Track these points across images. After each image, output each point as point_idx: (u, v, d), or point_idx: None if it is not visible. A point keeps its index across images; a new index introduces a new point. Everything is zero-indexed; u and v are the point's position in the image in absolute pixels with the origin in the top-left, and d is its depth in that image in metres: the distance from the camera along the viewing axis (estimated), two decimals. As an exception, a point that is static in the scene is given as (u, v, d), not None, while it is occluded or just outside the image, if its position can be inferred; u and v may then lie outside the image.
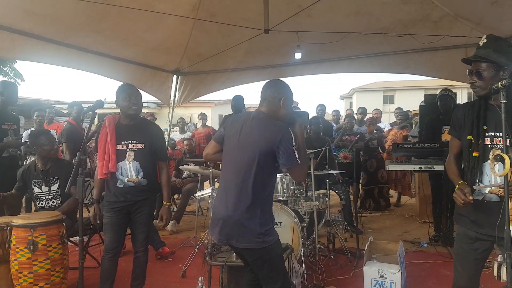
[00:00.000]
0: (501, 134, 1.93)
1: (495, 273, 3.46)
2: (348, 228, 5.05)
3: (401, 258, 3.26)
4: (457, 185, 2.06)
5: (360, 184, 6.46)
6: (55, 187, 3.58)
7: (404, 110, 8.56)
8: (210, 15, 4.63)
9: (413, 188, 6.85)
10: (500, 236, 1.82)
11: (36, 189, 3.58)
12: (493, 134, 1.99)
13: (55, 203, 3.57)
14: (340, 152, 6.24)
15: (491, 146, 1.99)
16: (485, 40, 2.02)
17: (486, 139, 2.00)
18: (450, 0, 4.12)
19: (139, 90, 2.97)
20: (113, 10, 4.00)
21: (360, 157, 6.42)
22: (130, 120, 2.89)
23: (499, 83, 1.83)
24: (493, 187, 1.97)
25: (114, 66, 5.58)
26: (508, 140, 1.90)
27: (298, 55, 5.38)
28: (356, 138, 6.08)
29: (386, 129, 7.44)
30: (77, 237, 2.76)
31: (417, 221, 5.69)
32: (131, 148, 2.83)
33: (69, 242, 3.32)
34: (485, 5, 3.94)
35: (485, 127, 2.00)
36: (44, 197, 3.58)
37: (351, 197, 5.44)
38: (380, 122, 7.63)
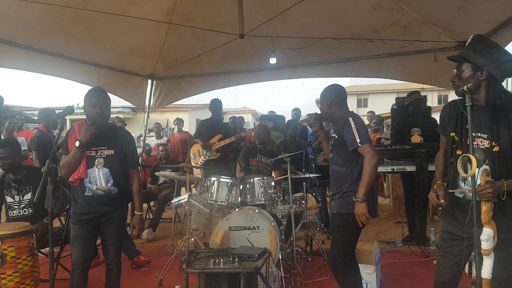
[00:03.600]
0: (482, 134, 1.95)
1: (466, 270, 3.57)
2: (325, 230, 5.10)
3: (376, 258, 3.32)
4: (435, 185, 2.10)
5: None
6: (28, 196, 3.47)
7: (377, 113, 8.77)
8: (184, 20, 4.60)
9: (387, 189, 7.00)
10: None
11: (9, 199, 3.48)
12: (474, 134, 1.98)
13: (26, 213, 3.47)
14: (320, 156, 6.26)
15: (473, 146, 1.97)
16: (470, 40, 2.01)
17: (468, 138, 1.96)
18: (418, 6, 4.26)
19: (109, 95, 2.85)
20: (86, 14, 3.90)
21: None
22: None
23: (465, 86, 1.88)
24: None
25: (86, 71, 5.46)
26: (487, 142, 1.93)
27: (273, 60, 5.42)
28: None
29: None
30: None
31: (391, 221, 5.80)
32: (100, 154, 2.74)
33: (40, 254, 3.21)
34: (452, 11, 4.07)
35: (467, 126, 1.96)
36: (16, 206, 3.48)
37: (328, 199, 5.49)
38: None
